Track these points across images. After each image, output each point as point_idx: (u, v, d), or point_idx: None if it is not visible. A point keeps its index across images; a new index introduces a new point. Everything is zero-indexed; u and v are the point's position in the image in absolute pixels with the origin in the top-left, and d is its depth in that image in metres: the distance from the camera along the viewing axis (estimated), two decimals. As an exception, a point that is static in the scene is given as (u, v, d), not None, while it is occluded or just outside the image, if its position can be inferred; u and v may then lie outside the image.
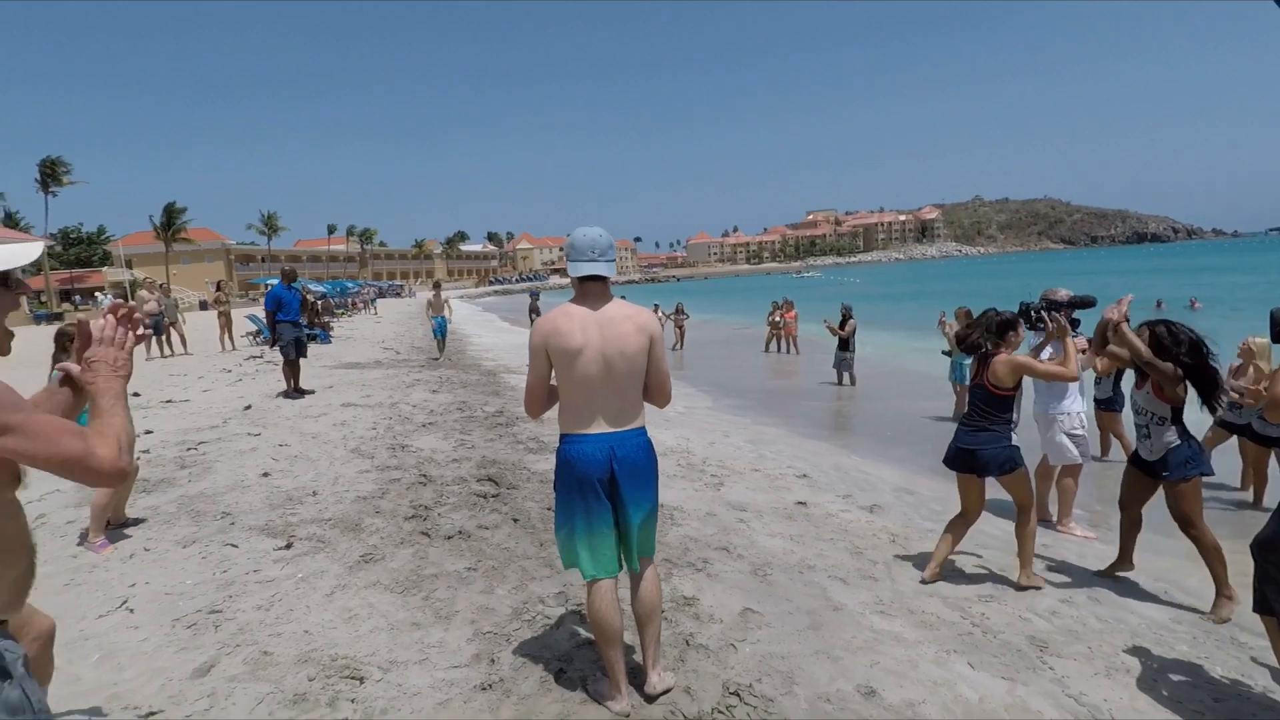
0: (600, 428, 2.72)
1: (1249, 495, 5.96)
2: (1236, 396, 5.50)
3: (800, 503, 5.77)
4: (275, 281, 10.90)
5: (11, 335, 1.55)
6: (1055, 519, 5.45)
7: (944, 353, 10.07)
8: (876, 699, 2.96)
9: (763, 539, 4.90)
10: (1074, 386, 5.21)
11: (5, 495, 1.38)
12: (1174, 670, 3.29)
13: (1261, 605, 2.92)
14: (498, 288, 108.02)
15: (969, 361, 4.41)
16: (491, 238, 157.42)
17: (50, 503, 5.45)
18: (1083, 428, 5.31)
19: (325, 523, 4.97)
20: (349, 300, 41.97)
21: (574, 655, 3.21)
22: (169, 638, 3.41)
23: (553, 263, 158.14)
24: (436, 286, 17.10)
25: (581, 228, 2.82)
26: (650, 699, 2.86)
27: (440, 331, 16.07)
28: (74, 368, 1.58)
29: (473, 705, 2.83)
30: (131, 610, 3.70)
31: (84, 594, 3.90)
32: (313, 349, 17.74)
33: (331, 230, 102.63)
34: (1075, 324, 5.23)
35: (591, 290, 2.75)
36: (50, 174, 53.54)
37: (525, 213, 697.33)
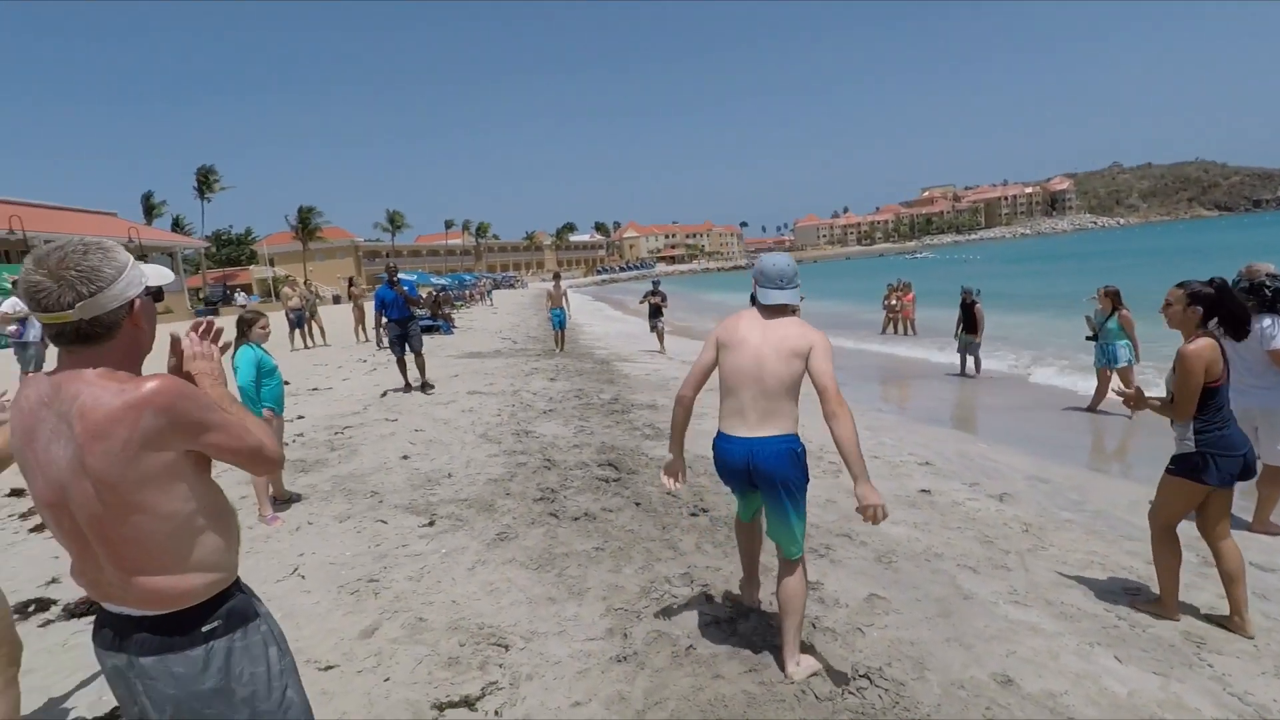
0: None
1: None
2: None
3: (924, 490, 5.64)
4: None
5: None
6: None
7: (1088, 337, 9.13)
8: (1014, 688, 2.90)
9: (885, 526, 4.83)
10: None
11: (208, 475, 1.59)
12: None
13: None
14: (603, 277, 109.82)
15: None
16: (599, 227, 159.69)
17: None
18: None
19: (462, 503, 5.32)
20: (467, 292, 43.76)
21: (703, 633, 3.33)
22: (336, 602, 3.79)
23: (659, 250, 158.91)
24: (556, 278, 16.66)
25: (770, 256, 3.01)
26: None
27: (559, 324, 15.99)
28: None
29: (610, 675, 3.00)
30: (303, 576, 4.13)
31: (262, 561, 4.38)
32: (437, 340, 18.78)
33: (449, 225, 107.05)
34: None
35: (775, 313, 2.95)
36: (204, 182, 58.94)
37: (631, 201, 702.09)
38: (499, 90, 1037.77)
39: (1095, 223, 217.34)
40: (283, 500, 5.47)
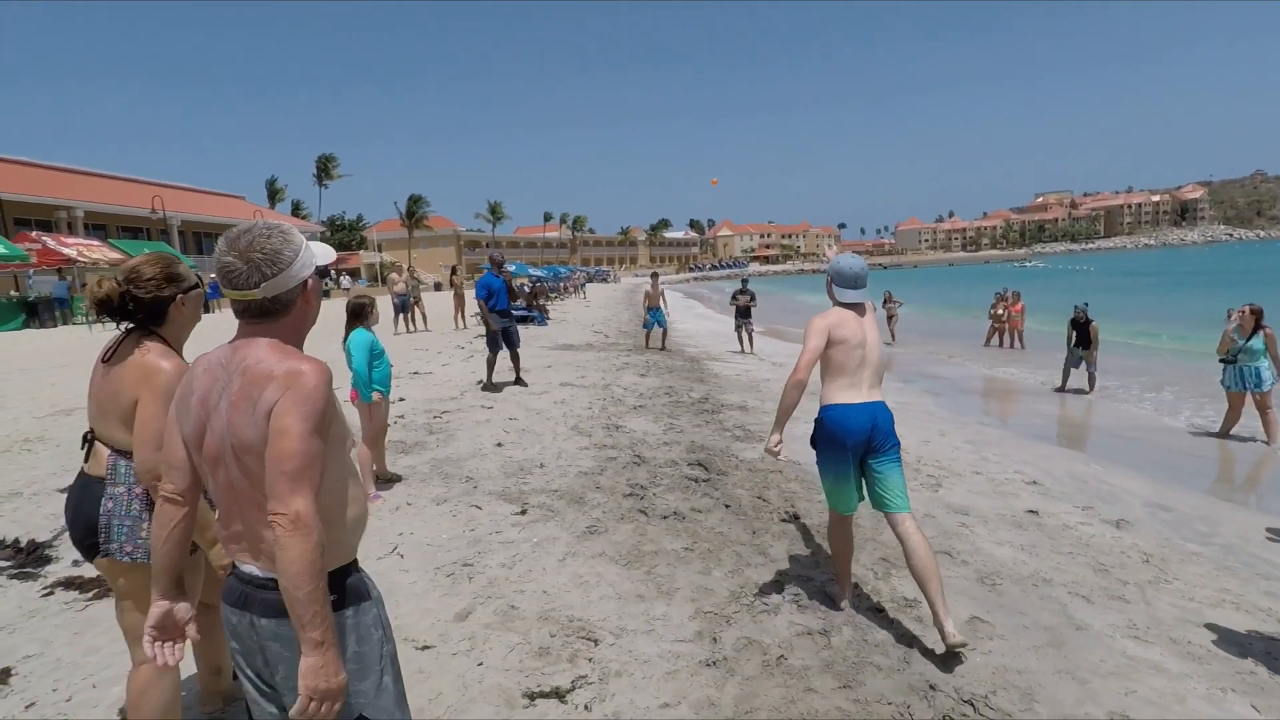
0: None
1: None
2: None
3: (1031, 511, 5.33)
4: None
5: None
6: None
7: (1221, 360, 8.34)
8: (1134, 732, 2.70)
9: (989, 546, 4.60)
10: None
11: (337, 458, 1.64)
12: None
13: None
14: (695, 275, 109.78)
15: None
16: (693, 225, 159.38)
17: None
18: None
19: (553, 493, 5.41)
20: (561, 285, 44.48)
21: (794, 644, 3.26)
22: (433, 583, 3.93)
23: (752, 250, 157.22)
24: (654, 276, 15.88)
25: (847, 258, 3.52)
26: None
27: (657, 324, 15.27)
28: None
29: (699, 679, 2.98)
30: (401, 556, 4.30)
31: (364, 538, 4.58)
32: (532, 331, 19.18)
33: (547, 218, 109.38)
34: None
35: (857, 308, 3.50)
36: (323, 169, 62.37)
37: (726, 200, 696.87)
38: (601, 87, 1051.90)
39: (1230, 234, 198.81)
40: (385, 480, 5.72)
